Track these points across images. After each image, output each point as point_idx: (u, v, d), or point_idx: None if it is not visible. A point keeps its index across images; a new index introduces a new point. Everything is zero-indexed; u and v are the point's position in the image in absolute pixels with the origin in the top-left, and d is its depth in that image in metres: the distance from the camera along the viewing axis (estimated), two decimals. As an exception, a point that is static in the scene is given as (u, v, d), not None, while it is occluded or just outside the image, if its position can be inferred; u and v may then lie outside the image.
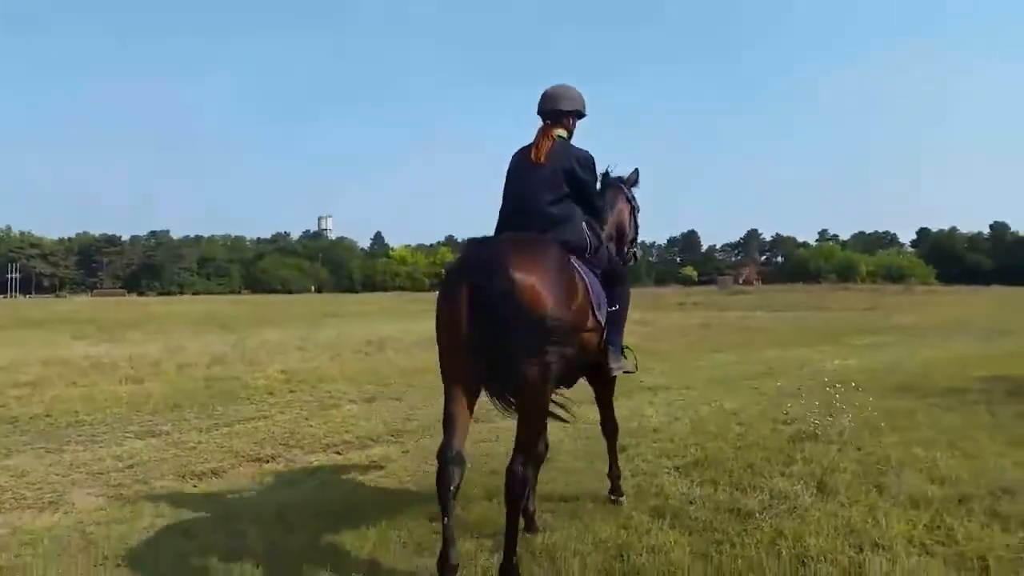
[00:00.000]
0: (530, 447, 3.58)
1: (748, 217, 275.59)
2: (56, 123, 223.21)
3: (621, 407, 8.14)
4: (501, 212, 4.27)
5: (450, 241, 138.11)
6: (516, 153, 4.31)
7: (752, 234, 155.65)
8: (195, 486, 5.58)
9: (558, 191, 4.12)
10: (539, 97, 4.35)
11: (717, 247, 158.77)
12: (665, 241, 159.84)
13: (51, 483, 5.63)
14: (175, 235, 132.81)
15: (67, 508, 5.05)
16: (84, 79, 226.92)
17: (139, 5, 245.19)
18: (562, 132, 4.31)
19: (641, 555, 3.84)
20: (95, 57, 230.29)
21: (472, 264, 3.53)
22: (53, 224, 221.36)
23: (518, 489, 3.43)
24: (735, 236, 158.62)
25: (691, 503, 4.71)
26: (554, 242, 3.88)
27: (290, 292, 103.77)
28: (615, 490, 4.90)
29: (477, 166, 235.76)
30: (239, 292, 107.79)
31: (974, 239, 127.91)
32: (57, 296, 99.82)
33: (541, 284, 3.45)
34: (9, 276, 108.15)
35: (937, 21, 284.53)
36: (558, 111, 4.30)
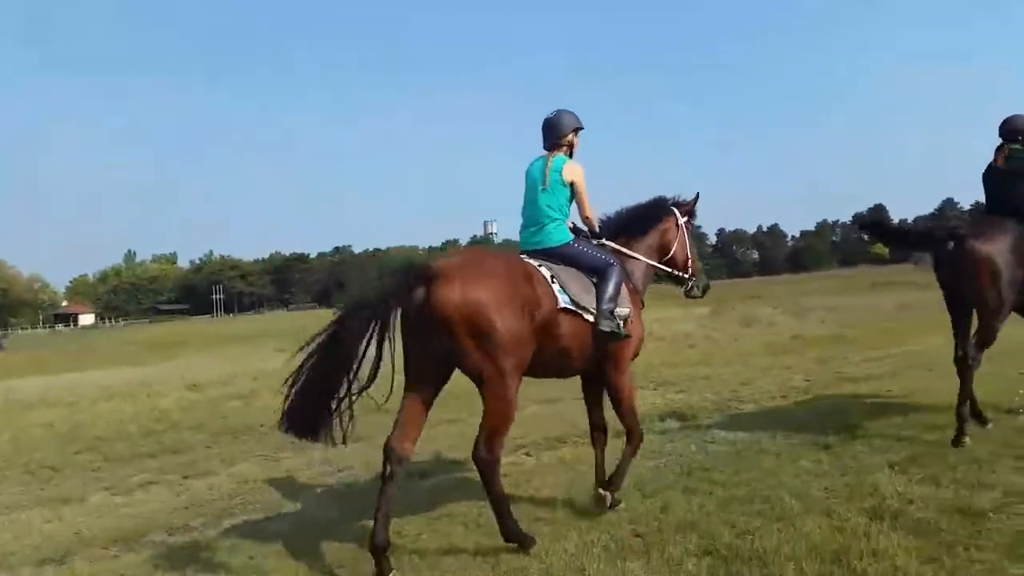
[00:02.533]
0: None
1: (943, 186, 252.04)
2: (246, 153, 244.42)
3: (823, 402, 7.78)
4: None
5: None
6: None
7: (948, 204, 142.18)
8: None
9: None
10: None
11: (909, 220, 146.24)
12: (849, 219, 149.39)
13: (271, 489, 6.15)
14: (356, 249, 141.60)
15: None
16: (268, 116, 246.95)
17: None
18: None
19: (862, 560, 3.59)
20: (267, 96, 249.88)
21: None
22: (248, 246, 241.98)
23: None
24: (929, 207, 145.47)
25: (911, 503, 4.35)
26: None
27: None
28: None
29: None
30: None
31: None
32: (256, 313, 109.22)
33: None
34: (213, 297, 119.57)
35: None
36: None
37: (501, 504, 4.15)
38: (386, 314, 3.91)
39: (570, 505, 4.96)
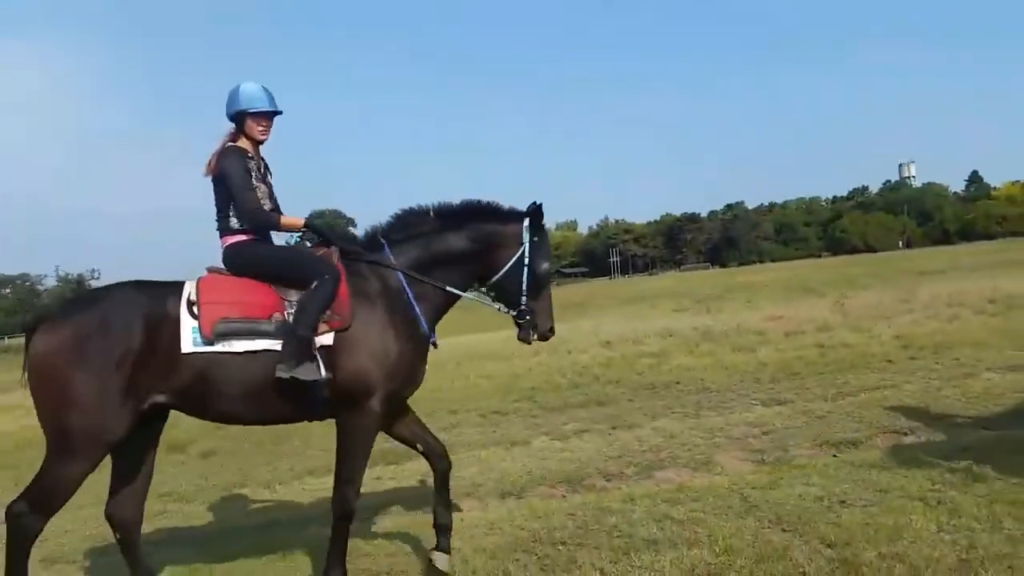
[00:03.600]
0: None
1: None
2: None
3: None
4: None
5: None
6: None
7: None
8: (834, 455, 5.45)
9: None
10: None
11: None
12: None
13: (697, 445, 6.16)
14: (750, 205, 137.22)
15: (718, 470, 5.43)
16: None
17: None
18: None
19: None
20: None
21: None
22: (641, 209, 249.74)
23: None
24: None
25: None
26: None
27: (874, 251, 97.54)
28: None
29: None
30: (819, 255, 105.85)
31: None
32: (650, 274, 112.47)
33: None
34: (610, 260, 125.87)
35: None
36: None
37: None
38: None
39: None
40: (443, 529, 3.92)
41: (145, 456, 3.71)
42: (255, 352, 3.48)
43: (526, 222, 3.96)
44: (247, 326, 3.50)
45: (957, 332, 10.54)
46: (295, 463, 7.18)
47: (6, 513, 3.38)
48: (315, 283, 3.55)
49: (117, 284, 3.66)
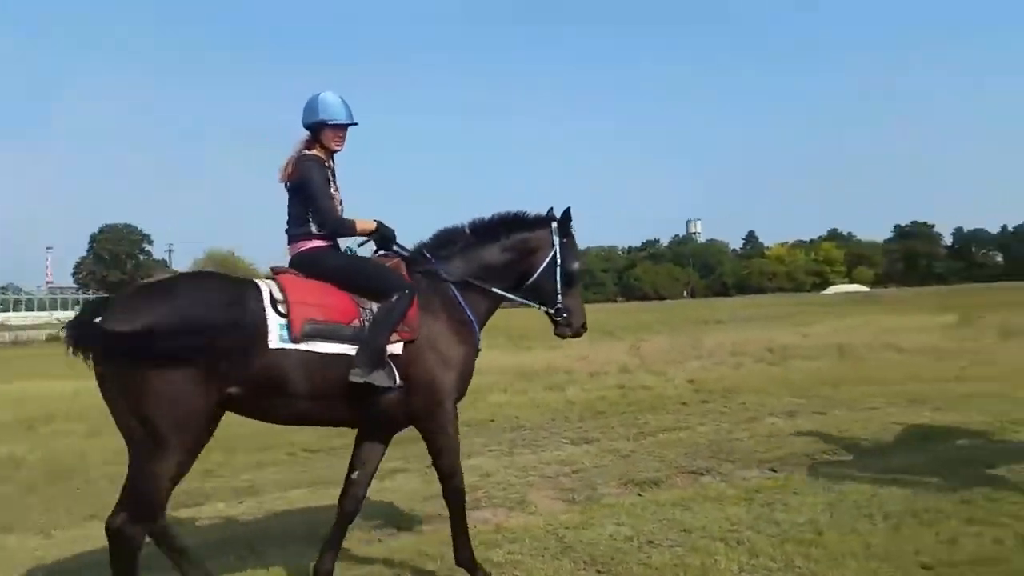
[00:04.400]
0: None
1: None
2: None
3: None
4: None
5: (834, 235, 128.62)
6: None
7: None
8: (639, 495, 5.73)
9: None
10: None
11: None
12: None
13: (512, 484, 6.23)
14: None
15: (532, 509, 5.52)
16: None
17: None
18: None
19: None
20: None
21: None
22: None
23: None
24: None
25: None
26: None
27: (662, 299, 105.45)
28: None
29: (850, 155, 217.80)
30: (615, 300, 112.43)
31: None
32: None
33: None
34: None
35: None
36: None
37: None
38: None
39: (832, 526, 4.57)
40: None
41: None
42: (333, 355, 3.60)
43: (554, 225, 4.34)
44: (330, 329, 3.63)
45: (742, 378, 11.60)
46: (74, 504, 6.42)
47: (107, 529, 3.30)
48: (396, 296, 3.75)
49: (191, 274, 3.97)
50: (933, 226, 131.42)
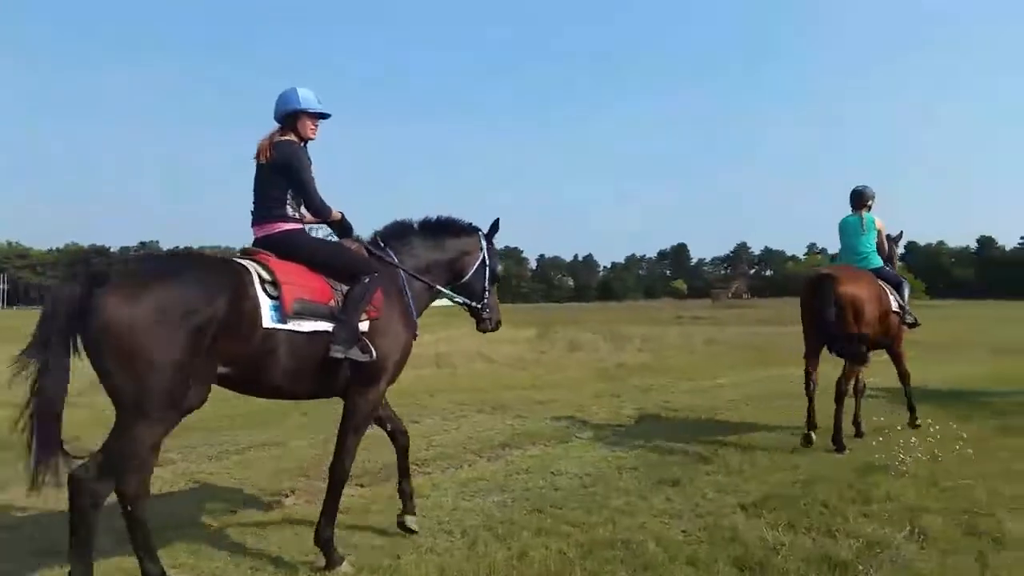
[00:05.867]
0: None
1: (737, 231, 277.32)
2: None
3: (656, 432, 7.70)
4: None
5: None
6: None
7: (741, 247, 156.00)
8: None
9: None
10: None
11: (707, 260, 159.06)
12: (655, 254, 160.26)
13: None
14: (164, 245, 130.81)
15: None
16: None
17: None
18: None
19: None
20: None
21: None
22: (43, 236, 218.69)
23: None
24: (724, 250, 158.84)
25: (775, 551, 4.18)
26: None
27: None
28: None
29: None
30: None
31: (960, 253, 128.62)
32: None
33: None
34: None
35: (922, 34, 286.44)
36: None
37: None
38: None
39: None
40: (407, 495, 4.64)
41: None
42: (314, 332, 3.82)
43: (482, 233, 4.97)
44: (314, 308, 3.85)
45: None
46: None
47: (69, 479, 3.22)
48: (367, 278, 4.08)
49: (183, 253, 4.18)
50: (523, 251, 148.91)
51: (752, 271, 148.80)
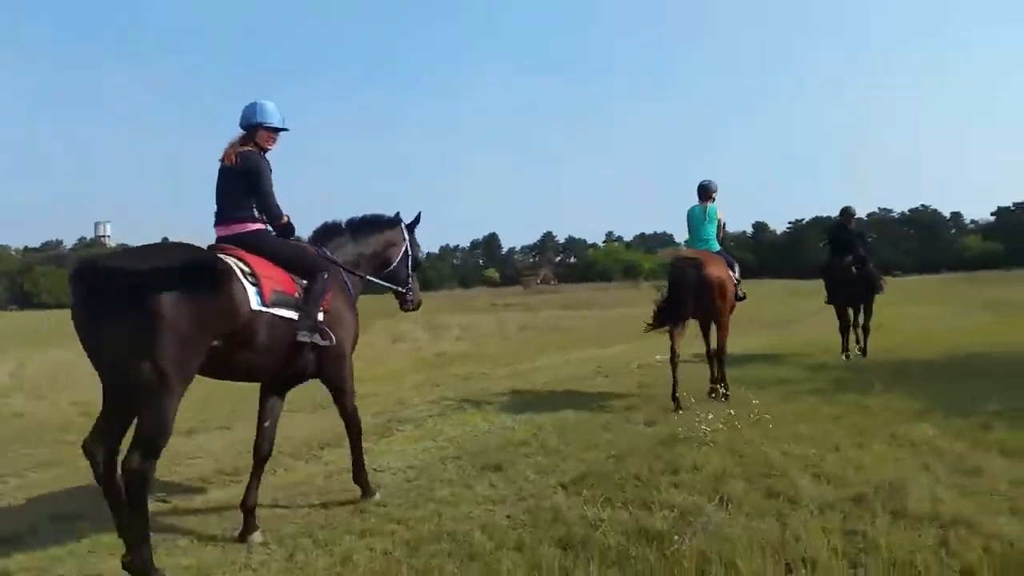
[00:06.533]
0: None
1: (544, 220, 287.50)
2: None
3: (476, 420, 7.76)
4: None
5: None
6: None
7: (548, 236, 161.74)
8: None
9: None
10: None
11: (516, 249, 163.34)
12: (468, 244, 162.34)
13: None
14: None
15: None
16: None
17: None
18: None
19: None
20: None
21: None
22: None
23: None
24: (532, 239, 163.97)
25: (595, 528, 4.31)
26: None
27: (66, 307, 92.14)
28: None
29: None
30: (5, 308, 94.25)
31: (739, 238, 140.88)
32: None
33: None
34: None
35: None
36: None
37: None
38: None
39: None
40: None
41: None
42: (285, 319, 4.38)
43: (403, 225, 5.78)
44: (285, 299, 4.40)
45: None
46: None
47: (125, 469, 3.54)
48: (324, 274, 4.70)
49: (181, 244, 4.08)
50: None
51: (558, 259, 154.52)
